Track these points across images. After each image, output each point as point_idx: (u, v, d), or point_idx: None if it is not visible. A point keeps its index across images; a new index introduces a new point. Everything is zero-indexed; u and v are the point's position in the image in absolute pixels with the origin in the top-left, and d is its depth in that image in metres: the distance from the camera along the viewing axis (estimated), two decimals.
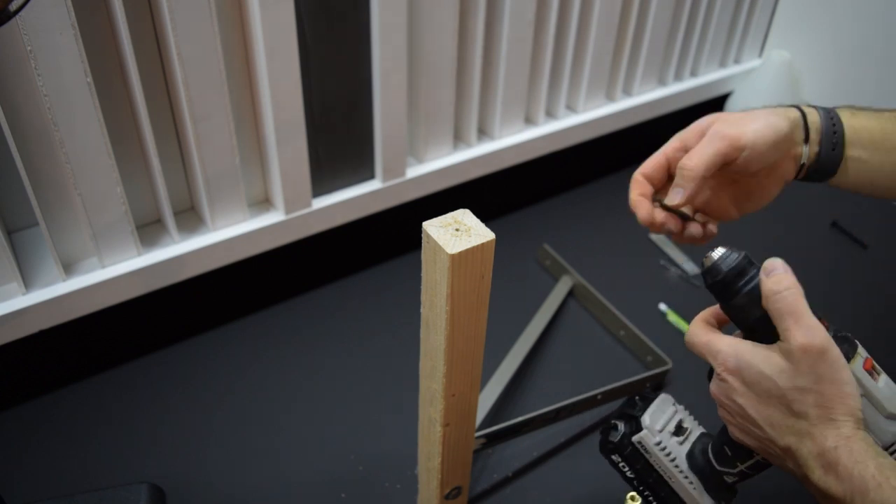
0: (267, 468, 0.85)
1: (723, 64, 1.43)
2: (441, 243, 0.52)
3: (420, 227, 0.54)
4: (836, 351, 0.49)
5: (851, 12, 1.32)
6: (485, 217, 0.56)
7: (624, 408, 0.64)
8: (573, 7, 1.10)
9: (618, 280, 1.12)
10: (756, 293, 0.52)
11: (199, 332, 1.01)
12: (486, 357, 0.64)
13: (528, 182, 1.26)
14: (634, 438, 0.60)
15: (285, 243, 0.98)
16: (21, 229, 0.88)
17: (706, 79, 1.38)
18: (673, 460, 0.60)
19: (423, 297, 0.58)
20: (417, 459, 0.78)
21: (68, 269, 0.85)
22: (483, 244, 0.53)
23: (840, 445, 0.48)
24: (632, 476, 0.63)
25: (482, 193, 1.20)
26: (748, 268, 0.53)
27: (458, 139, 1.13)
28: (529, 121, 1.19)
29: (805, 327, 0.49)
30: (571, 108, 1.24)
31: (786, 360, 0.49)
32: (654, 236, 1.22)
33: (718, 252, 0.54)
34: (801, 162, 0.66)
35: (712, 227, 0.68)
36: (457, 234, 0.53)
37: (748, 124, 0.62)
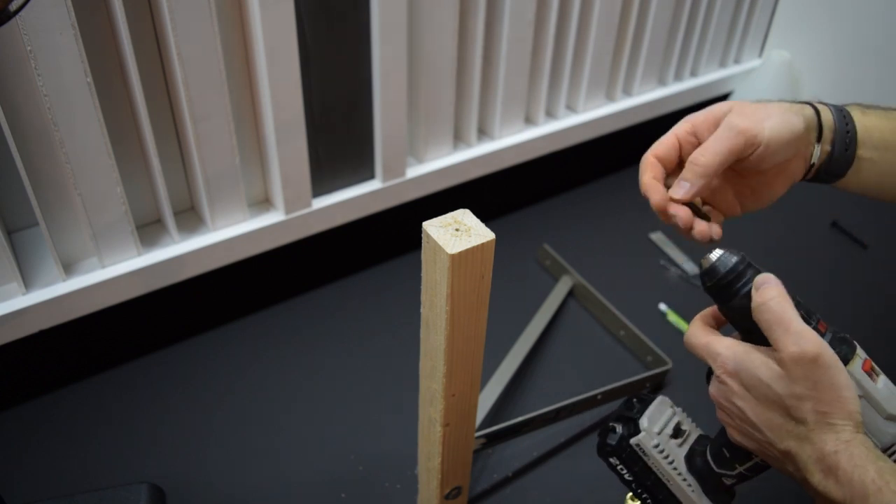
0: (267, 468, 0.85)
1: (723, 64, 1.43)
2: (441, 243, 0.52)
3: (420, 227, 0.54)
4: (829, 355, 0.48)
5: (851, 12, 1.32)
6: (485, 217, 0.56)
7: (621, 410, 0.63)
8: (573, 7, 1.10)
9: (618, 280, 1.12)
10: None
11: (199, 332, 1.01)
12: (486, 357, 0.64)
13: (528, 182, 1.26)
14: (632, 441, 0.60)
15: (285, 243, 0.98)
16: (21, 229, 0.88)
17: (706, 79, 1.38)
18: (671, 463, 0.60)
19: (423, 297, 0.58)
20: (417, 459, 0.78)
21: (68, 269, 0.85)
22: (483, 244, 0.53)
23: (840, 450, 0.47)
24: (630, 478, 0.63)
25: (482, 193, 1.20)
26: (746, 270, 0.53)
27: (458, 139, 1.13)
28: (529, 121, 1.19)
29: (794, 335, 0.49)
30: (571, 108, 1.24)
31: (781, 368, 0.49)
32: (654, 236, 1.22)
33: (717, 254, 0.54)
34: (812, 162, 0.63)
35: (717, 229, 0.63)
36: (457, 234, 0.53)
37: (764, 120, 0.58)
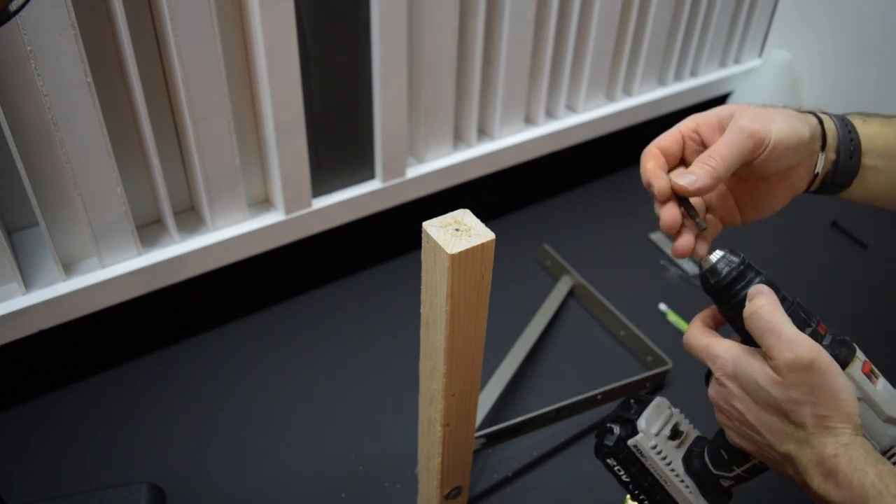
0: (267, 468, 0.85)
1: (723, 64, 1.43)
2: (441, 243, 0.52)
3: (420, 227, 0.54)
4: (825, 360, 0.48)
5: (851, 12, 1.32)
6: (485, 217, 0.56)
7: (619, 411, 0.63)
8: (573, 7, 1.10)
9: (618, 280, 1.12)
10: None
11: (199, 332, 1.01)
12: (486, 357, 0.64)
13: (528, 182, 1.26)
14: (630, 442, 0.60)
15: (285, 243, 0.98)
16: (21, 229, 0.88)
17: (706, 79, 1.38)
18: (669, 464, 0.60)
19: (423, 297, 0.58)
20: (417, 459, 0.78)
21: (68, 269, 0.85)
22: (483, 244, 0.53)
23: (839, 453, 0.47)
24: (627, 480, 0.63)
25: (482, 193, 1.20)
26: (747, 271, 0.52)
27: (458, 139, 1.13)
28: (529, 121, 1.19)
29: (787, 343, 0.49)
30: (571, 108, 1.24)
31: (777, 374, 0.49)
32: (654, 236, 1.22)
33: (717, 255, 0.54)
34: (816, 171, 0.62)
35: (702, 250, 0.58)
36: (457, 234, 0.53)
37: (771, 122, 0.57)
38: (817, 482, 0.48)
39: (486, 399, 0.87)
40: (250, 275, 1.01)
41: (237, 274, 0.98)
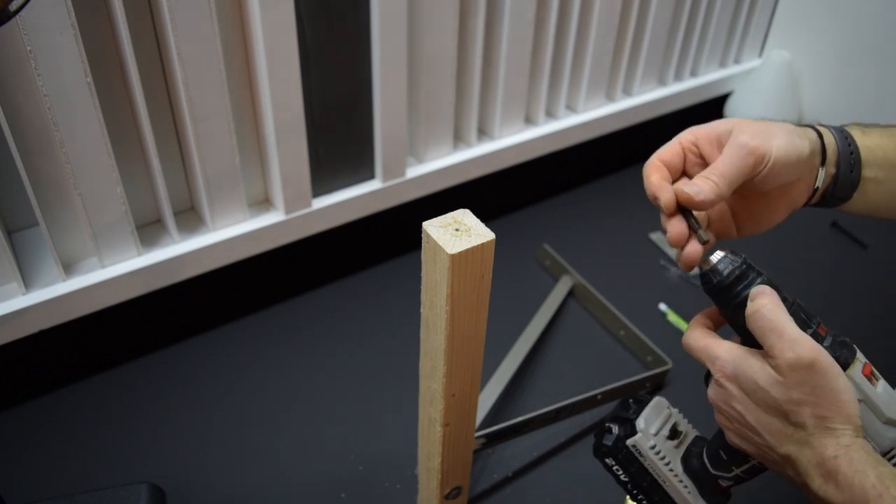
0: (267, 468, 0.85)
1: (723, 64, 1.43)
2: (441, 243, 0.52)
3: (420, 227, 0.54)
4: (826, 360, 0.48)
5: (851, 12, 1.32)
6: (485, 217, 0.56)
7: (618, 411, 0.63)
8: (573, 7, 1.10)
9: (618, 280, 1.12)
10: None
11: (199, 332, 1.01)
12: (486, 357, 0.64)
13: (528, 182, 1.26)
14: (629, 442, 0.60)
15: (285, 243, 0.98)
16: (21, 229, 0.88)
17: (706, 79, 1.38)
18: (668, 464, 0.60)
19: (423, 297, 0.58)
20: (417, 459, 0.78)
21: (68, 269, 0.85)
22: (483, 244, 0.53)
23: (840, 454, 0.47)
24: (626, 480, 0.62)
25: (482, 193, 1.20)
26: (747, 272, 0.52)
27: (458, 139, 1.13)
28: (529, 121, 1.19)
29: (789, 342, 0.48)
30: (571, 108, 1.24)
31: (778, 374, 0.49)
32: (653, 236, 1.22)
33: (718, 256, 0.53)
34: (816, 186, 0.61)
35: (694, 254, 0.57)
36: (457, 234, 0.53)
37: (772, 139, 0.56)
38: (818, 483, 0.48)
39: (486, 399, 0.87)
40: (250, 275, 1.01)
41: (237, 274, 0.98)
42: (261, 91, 0.87)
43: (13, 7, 0.48)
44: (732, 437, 0.55)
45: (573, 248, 1.17)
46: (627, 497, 0.64)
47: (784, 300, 0.51)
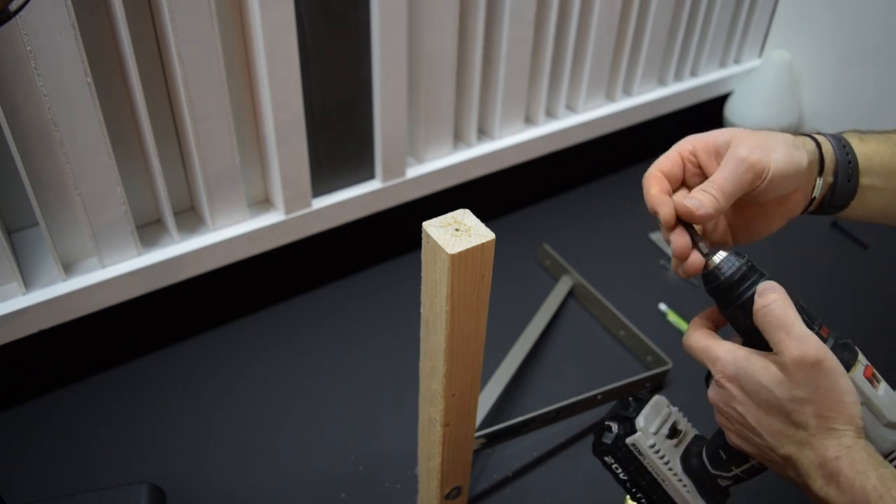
0: (267, 468, 0.85)
1: (723, 64, 1.43)
2: (441, 243, 0.52)
3: (420, 227, 0.54)
4: (831, 360, 0.48)
5: (851, 12, 1.32)
6: (485, 217, 0.56)
7: (617, 409, 0.63)
8: (573, 7, 1.10)
9: (618, 280, 1.12)
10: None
11: (199, 332, 1.01)
12: (486, 357, 0.64)
13: (528, 182, 1.26)
14: (628, 440, 0.60)
15: (285, 243, 0.98)
16: (21, 229, 0.88)
17: (706, 79, 1.38)
18: (667, 463, 0.60)
19: (423, 297, 0.58)
20: (417, 459, 0.78)
21: (68, 269, 0.85)
22: (483, 244, 0.53)
23: (841, 455, 0.47)
24: (625, 478, 0.62)
25: (482, 193, 1.20)
26: (750, 273, 0.52)
27: (458, 139, 1.13)
28: (529, 121, 1.19)
29: (797, 339, 0.48)
30: (571, 108, 1.24)
31: (782, 372, 0.49)
32: (654, 236, 1.22)
33: (720, 256, 0.53)
34: (813, 195, 0.60)
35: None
36: (457, 234, 0.53)
37: (770, 153, 0.55)
38: (819, 484, 0.48)
39: (486, 399, 0.87)
40: (250, 275, 1.01)
41: (237, 274, 0.98)
42: (261, 91, 0.87)
43: (13, 7, 0.48)
44: (733, 438, 0.55)
45: (573, 248, 1.17)
46: (627, 497, 0.64)
47: None
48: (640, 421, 0.60)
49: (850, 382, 0.49)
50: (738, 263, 0.52)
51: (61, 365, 0.92)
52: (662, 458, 0.60)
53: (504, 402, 0.92)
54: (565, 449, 0.88)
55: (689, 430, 0.63)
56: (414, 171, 1.05)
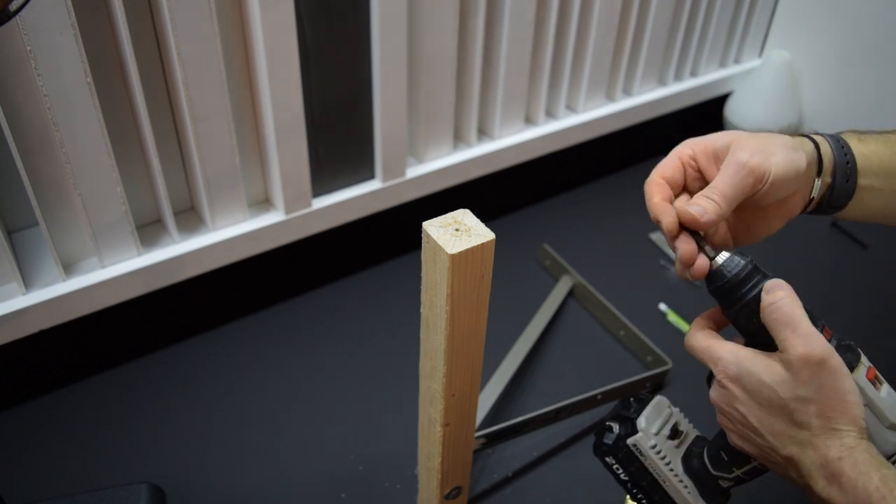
0: (267, 468, 0.85)
1: (723, 64, 1.43)
2: (441, 243, 0.52)
3: (420, 227, 0.54)
4: (836, 359, 0.48)
5: (851, 12, 1.32)
6: (485, 217, 0.56)
7: (619, 409, 0.63)
8: (573, 7, 1.10)
9: (618, 280, 1.12)
10: (759, 301, 0.51)
11: (199, 332, 1.01)
12: (486, 357, 0.64)
13: (528, 182, 1.26)
14: (629, 441, 0.60)
15: (285, 243, 0.98)
16: (21, 229, 0.88)
17: (706, 79, 1.38)
18: (668, 464, 0.60)
19: (423, 297, 0.58)
20: (417, 459, 0.78)
21: (68, 269, 0.85)
22: (483, 244, 0.53)
23: (844, 456, 0.47)
24: (626, 479, 0.62)
25: (482, 193, 1.20)
26: (753, 273, 0.52)
27: (458, 139, 1.13)
28: (529, 121, 1.19)
29: (803, 337, 0.48)
30: (571, 108, 1.24)
31: (786, 371, 0.49)
32: (653, 236, 1.22)
33: (723, 256, 0.53)
34: (812, 196, 0.61)
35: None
36: (457, 234, 0.53)
37: (770, 156, 0.55)
38: (821, 485, 0.48)
39: (486, 399, 0.87)
40: (250, 275, 1.01)
41: (237, 274, 0.98)
42: (261, 91, 0.87)
43: (13, 7, 0.48)
44: (735, 439, 0.55)
45: (573, 248, 1.17)
46: (627, 497, 0.64)
47: None
48: (642, 422, 0.60)
49: (854, 383, 0.49)
50: (741, 263, 0.52)
51: (61, 365, 0.92)
52: (664, 458, 0.60)
53: (504, 402, 0.92)
54: (565, 449, 0.88)
55: (690, 431, 0.63)
56: (414, 171, 1.05)
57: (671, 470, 0.60)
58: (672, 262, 1.17)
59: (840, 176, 0.60)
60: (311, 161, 0.94)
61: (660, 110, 1.32)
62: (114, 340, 0.95)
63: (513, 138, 1.15)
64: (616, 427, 0.61)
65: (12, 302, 0.80)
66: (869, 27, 1.30)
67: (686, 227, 0.55)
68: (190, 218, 0.94)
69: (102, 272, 0.85)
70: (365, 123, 0.98)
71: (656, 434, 0.60)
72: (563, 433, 0.90)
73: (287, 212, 0.95)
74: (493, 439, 0.81)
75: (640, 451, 0.60)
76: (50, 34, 0.69)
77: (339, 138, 0.97)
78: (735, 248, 0.56)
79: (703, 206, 0.54)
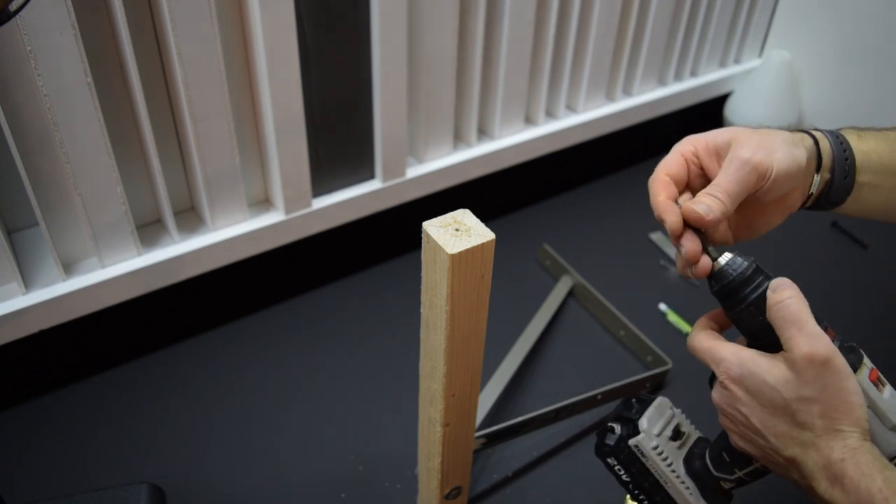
0: (267, 468, 0.85)
1: (723, 64, 1.43)
2: (441, 243, 0.52)
3: (420, 227, 0.54)
4: (840, 360, 0.48)
5: (851, 12, 1.32)
6: (485, 217, 0.56)
7: (620, 410, 0.63)
8: (573, 7, 1.10)
9: (618, 280, 1.12)
10: (762, 301, 0.51)
11: (199, 332, 1.01)
12: (486, 357, 0.64)
13: (528, 182, 1.26)
14: (631, 442, 0.60)
15: (285, 243, 0.98)
16: (21, 229, 0.88)
17: (706, 79, 1.38)
18: (670, 465, 0.60)
19: (423, 297, 0.58)
20: (417, 459, 0.78)
21: (68, 269, 0.85)
22: (483, 244, 0.53)
23: (846, 457, 0.47)
24: (627, 480, 0.62)
25: (482, 193, 1.20)
26: (755, 275, 0.52)
27: (458, 139, 1.13)
28: (529, 121, 1.19)
29: (808, 336, 0.48)
30: (571, 108, 1.24)
31: (790, 370, 0.49)
32: (653, 236, 1.22)
33: (726, 257, 0.53)
34: (810, 192, 0.60)
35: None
36: (457, 234, 0.53)
37: (772, 153, 0.55)
38: (823, 487, 0.48)
39: (486, 399, 0.87)
40: (250, 275, 1.01)
41: (237, 274, 0.98)
42: (261, 91, 0.87)
43: (13, 7, 0.48)
44: (737, 440, 0.54)
45: (573, 248, 1.17)
46: (627, 497, 0.64)
47: None
48: (644, 422, 0.60)
49: (857, 384, 0.49)
50: (744, 264, 0.52)
51: (61, 365, 0.92)
52: (665, 459, 0.60)
53: (504, 402, 0.92)
54: (565, 449, 0.88)
55: (692, 432, 0.63)
56: (414, 171, 1.05)
57: (673, 471, 0.60)
58: (672, 261, 1.17)
59: (839, 172, 0.60)
60: (311, 161, 0.94)
61: (660, 110, 1.32)
62: (114, 340, 0.95)
63: (513, 138, 1.15)
64: (618, 428, 0.61)
65: (12, 302, 0.80)
66: (869, 27, 1.30)
67: (690, 225, 0.55)
68: (190, 218, 0.94)
69: (102, 272, 0.85)
70: (365, 123, 0.98)
71: (658, 435, 0.60)
72: (563, 433, 0.90)
73: (287, 212, 0.95)
74: (493, 439, 0.81)
75: (641, 453, 0.60)
76: (50, 34, 0.69)
77: (339, 138, 0.97)
78: (736, 247, 0.56)
79: (708, 205, 0.54)
